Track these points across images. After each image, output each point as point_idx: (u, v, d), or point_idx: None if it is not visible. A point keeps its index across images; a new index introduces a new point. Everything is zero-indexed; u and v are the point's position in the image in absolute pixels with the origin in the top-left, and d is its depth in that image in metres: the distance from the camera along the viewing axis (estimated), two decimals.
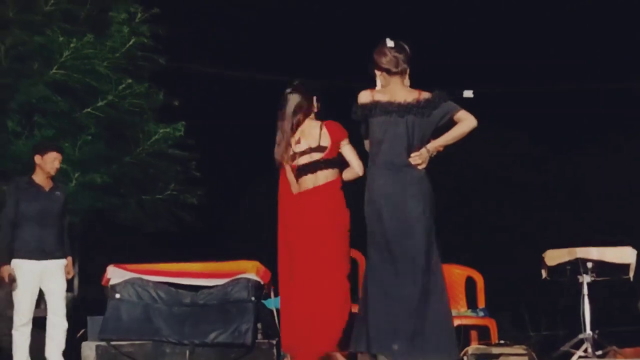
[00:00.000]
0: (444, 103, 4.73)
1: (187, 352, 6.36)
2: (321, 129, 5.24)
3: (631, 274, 6.34)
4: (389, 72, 4.84)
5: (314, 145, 5.22)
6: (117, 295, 6.59)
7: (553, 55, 11.78)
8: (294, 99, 5.29)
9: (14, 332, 6.21)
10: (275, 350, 5.93)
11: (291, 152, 5.20)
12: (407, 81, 4.90)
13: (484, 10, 11.60)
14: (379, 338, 4.62)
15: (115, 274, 6.68)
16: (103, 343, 6.43)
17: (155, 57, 7.81)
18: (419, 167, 4.72)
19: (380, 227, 4.70)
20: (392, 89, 4.84)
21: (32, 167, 6.54)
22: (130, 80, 7.46)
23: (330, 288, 5.08)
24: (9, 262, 6.04)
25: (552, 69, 11.68)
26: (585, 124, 11.54)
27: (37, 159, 6.19)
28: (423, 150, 4.71)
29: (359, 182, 5.05)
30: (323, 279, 5.07)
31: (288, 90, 5.31)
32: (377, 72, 4.90)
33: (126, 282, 6.59)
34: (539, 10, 11.76)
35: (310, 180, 5.17)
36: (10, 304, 7.90)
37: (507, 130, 11.64)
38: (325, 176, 5.19)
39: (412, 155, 4.69)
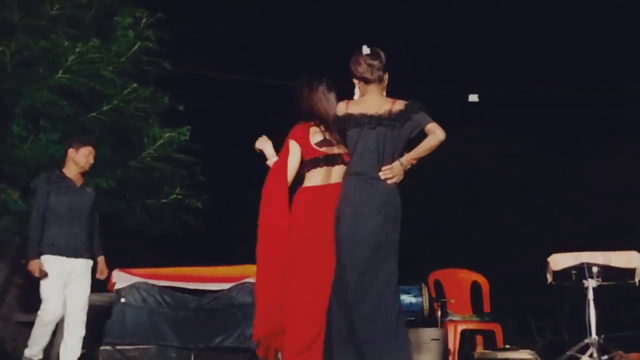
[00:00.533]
0: (415, 115, 4.67)
1: (192, 357, 6.41)
2: None
3: (637, 279, 6.32)
4: (365, 80, 4.79)
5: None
6: (122, 300, 6.61)
7: (553, 56, 11.69)
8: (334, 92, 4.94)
9: (39, 328, 5.90)
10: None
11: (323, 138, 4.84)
12: (384, 89, 4.83)
13: (483, 11, 11.51)
14: (338, 351, 4.57)
15: (120, 278, 6.70)
16: (108, 347, 6.45)
17: (160, 62, 7.77)
18: (390, 181, 4.66)
19: (340, 235, 4.64)
20: (367, 99, 4.78)
21: (44, 168, 6.52)
22: (135, 85, 7.41)
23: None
24: (39, 257, 5.82)
25: (553, 70, 11.59)
26: (587, 125, 11.50)
27: (71, 153, 6.03)
28: (396, 163, 4.66)
29: None
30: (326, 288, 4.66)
31: (328, 80, 4.98)
32: (355, 81, 4.84)
33: (131, 286, 6.62)
34: (539, 12, 11.67)
35: (322, 175, 4.81)
36: (15, 308, 7.92)
37: (508, 132, 11.61)
38: (338, 175, 4.79)
39: (383, 169, 4.64)
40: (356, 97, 4.83)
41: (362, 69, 4.76)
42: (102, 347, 6.48)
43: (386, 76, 4.81)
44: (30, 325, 7.69)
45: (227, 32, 10.72)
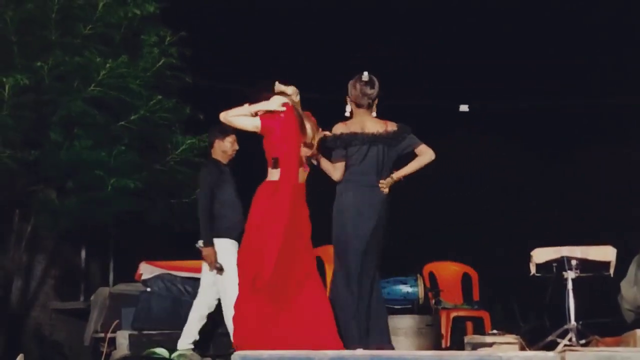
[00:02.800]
0: (407, 136, 5.01)
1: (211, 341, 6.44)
2: (316, 127, 5.03)
3: (612, 271, 6.34)
4: (357, 104, 5.06)
5: (307, 140, 4.97)
6: (148, 289, 6.67)
7: (551, 56, 11.01)
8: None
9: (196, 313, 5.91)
10: None
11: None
12: (374, 112, 5.10)
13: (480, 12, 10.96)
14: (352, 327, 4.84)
15: (146, 270, 6.77)
16: (135, 332, 6.52)
17: (182, 76, 7.83)
18: (385, 191, 4.97)
19: (344, 234, 4.91)
20: (362, 120, 5.05)
21: (77, 171, 6.70)
22: (160, 97, 7.48)
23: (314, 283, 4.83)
24: (212, 244, 5.77)
25: (547, 70, 10.88)
26: (563, 129, 11.18)
27: (218, 143, 6.04)
28: (388, 179, 4.97)
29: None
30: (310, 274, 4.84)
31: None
32: (348, 100, 5.11)
33: (156, 277, 6.71)
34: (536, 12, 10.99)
35: (301, 175, 4.96)
36: (51, 297, 7.99)
37: (497, 134, 11.38)
38: (303, 176, 4.97)
39: (381, 181, 4.96)
40: (347, 113, 5.10)
41: (356, 93, 5.03)
42: (129, 332, 6.54)
43: (376, 102, 5.09)
44: (64, 312, 7.85)
45: (242, 46, 10.64)
